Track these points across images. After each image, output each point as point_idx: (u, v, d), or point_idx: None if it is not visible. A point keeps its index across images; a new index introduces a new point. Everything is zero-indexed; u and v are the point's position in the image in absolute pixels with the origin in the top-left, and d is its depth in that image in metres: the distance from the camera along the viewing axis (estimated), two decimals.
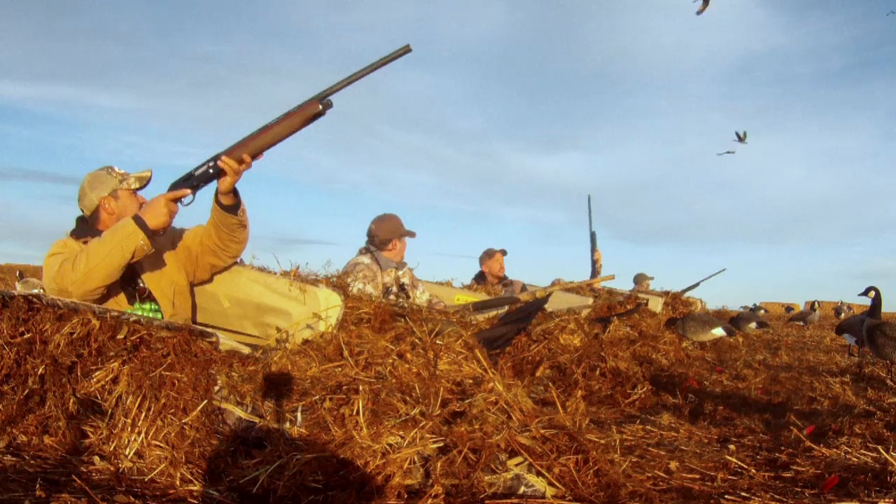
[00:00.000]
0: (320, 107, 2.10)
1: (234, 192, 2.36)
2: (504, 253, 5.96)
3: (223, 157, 2.22)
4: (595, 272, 6.85)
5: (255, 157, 2.24)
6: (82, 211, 2.55)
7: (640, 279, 8.95)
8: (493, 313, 4.21)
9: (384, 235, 4.17)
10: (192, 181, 2.30)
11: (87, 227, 2.49)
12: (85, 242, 2.42)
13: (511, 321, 3.86)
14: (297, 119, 2.15)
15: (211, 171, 2.26)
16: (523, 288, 5.89)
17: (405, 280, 4.28)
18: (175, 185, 2.34)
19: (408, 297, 4.15)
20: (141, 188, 2.56)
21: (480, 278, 5.96)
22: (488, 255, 5.91)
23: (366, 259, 4.11)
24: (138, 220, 2.23)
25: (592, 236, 7.61)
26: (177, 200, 2.30)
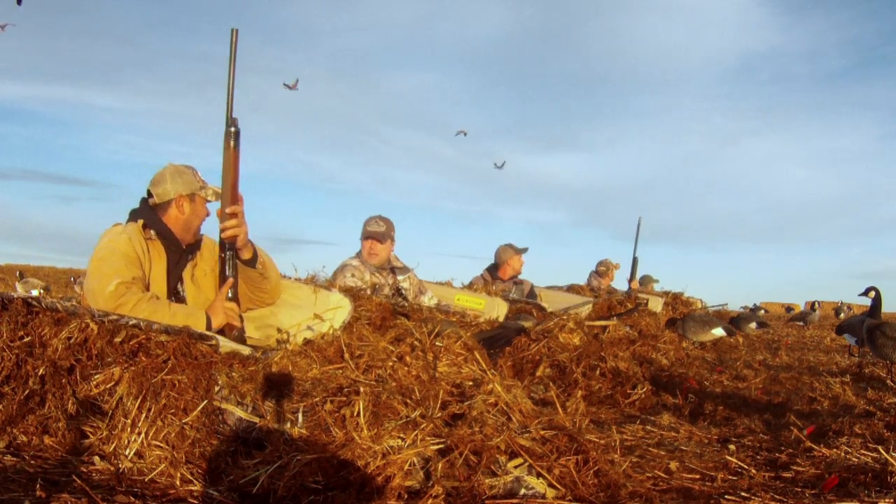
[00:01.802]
0: (233, 129, 2.30)
1: (252, 247, 2.45)
2: (525, 250, 5.95)
3: (221, 227, 2.34)
4: (633, 297, 6.78)
5: (234, 202, 2.33)
6: (150, 194, 2.53)
7: (645, 280, 8.94)
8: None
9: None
10: (224, 271, 2.41)
11: (152, 215, 2.49)
12: (149, 238, 2.43)
13: (510, 325, 3.87)
14: (227, 153, 2.33)
15: (226, 244, 2.38)
16: (532, 289, 5.90)
17: (405, 285, 4.26)
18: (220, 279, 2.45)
19: (404, 300, 4.13)
20: (213, 201, 2.58)
21: (494, 270, 5.95)
22: (514, 250, 5.88)
23: (355, 261, 4.17)
24: (209, 322, 2.30)
25: (634, 262, 7.53)
26: (227, 298, 2.39)
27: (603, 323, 4.53)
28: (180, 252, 2.53)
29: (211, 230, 2.71)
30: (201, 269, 2.60)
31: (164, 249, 2.48)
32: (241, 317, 2.43)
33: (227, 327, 2.34)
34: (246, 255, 2.42)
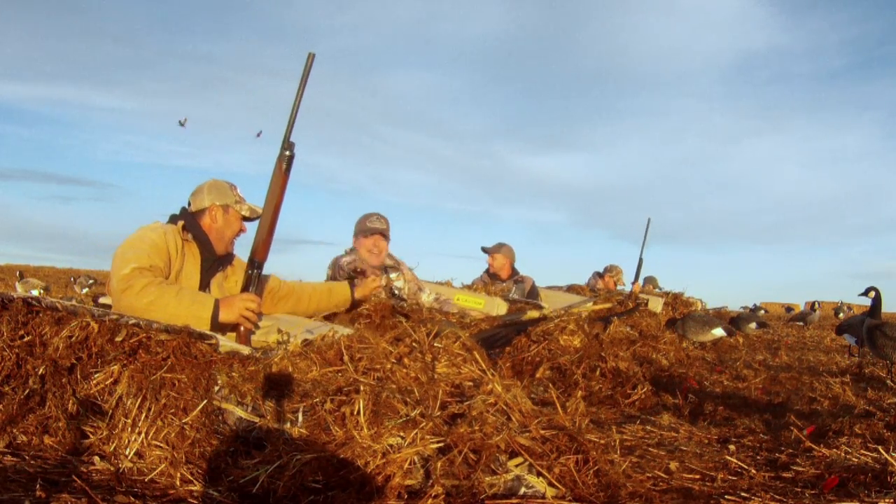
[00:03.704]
0: (288, 153, 2.32)
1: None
2: (488, 250, 5.95)
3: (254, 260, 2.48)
4: (633, 297, 6.80)
5: (273, 225, 2.43)
6: (189, 203, 2.67)
7: (646, 280, 8.94)
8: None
9: (354, 235, 4.18)
10: (248, 287, 2.49)
11: (190, 219, 2.60)
12: (186, 240, 2.53)
13: (511, 324, 3.86)
14: (276, 177, 2.36)
15: (255, 262, 2.48)
16: (533, 286, 5.89)
17: (398, 283, 4.21)
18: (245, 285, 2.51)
19: (401, 300, 4.07)
20: (249, 219, 2.67)
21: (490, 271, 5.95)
22: (484, 251, 5.91)
23: (348, 258, 4.11)
24: (215, 310, 2.33)
25: (639, 263, 7.53)
26: (251, 310, 2.43)
27: (602, 305, 4.52)
28: (213, 259, 2.59)
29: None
30: (232, 280, 2.69)
31: (199, 252, 2.57)
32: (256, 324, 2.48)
33: (245, 330, 2.37)
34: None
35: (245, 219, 2.66)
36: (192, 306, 2.27)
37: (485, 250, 5.93)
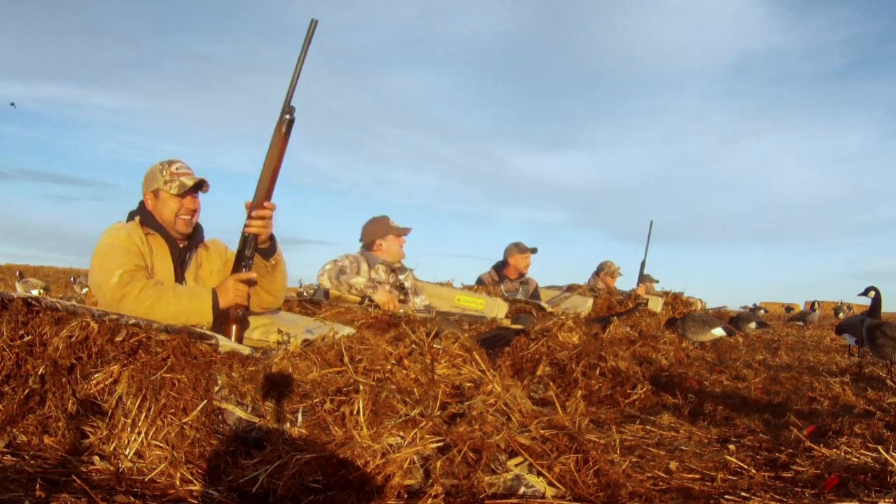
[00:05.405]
0: (288, 116, 2.27)
1: (271, 238, 2.47)
2: (534, 251, 5.94)
3: (247, 223, 2.35)
4: (634, 297, 6.78)
5: (269, 195, 2.35)
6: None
7: (644, 280, 8.92)
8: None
9: (367, 237, 4.34)
10: (243, 259, 2.40)
11: (143, 211, 2.56)
12: (147, 234, 2.49)
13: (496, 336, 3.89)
14: (276, 141, 2.30)
15: (247, 237, 2.38)
16: (537, 288, 5.91)
17: (407, 283, 4.31)
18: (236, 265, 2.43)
19: (406, 296, 4.21)
20: (181, 194, 2.54)
21: (501, 268, 5.95)
22: (519, 249, 5.88)
23: (353, 255, 4.26)
24: (215, 300, 2.32)
25: (642, 266, 7.51)
26: (243, 281, 2.37)
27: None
28: (178, 247, 2.57)
29: (220, 224, 2.72)
30: (206, 269, 2.64)
31: (165, 242, 2.54)
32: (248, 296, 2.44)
33: (234, 306, 2.35)
34: (263, 245, 2.44)
35: (188, 193, 2.54)
36: (191, 301, 2.28)
37: (523, 249, 5.92)
